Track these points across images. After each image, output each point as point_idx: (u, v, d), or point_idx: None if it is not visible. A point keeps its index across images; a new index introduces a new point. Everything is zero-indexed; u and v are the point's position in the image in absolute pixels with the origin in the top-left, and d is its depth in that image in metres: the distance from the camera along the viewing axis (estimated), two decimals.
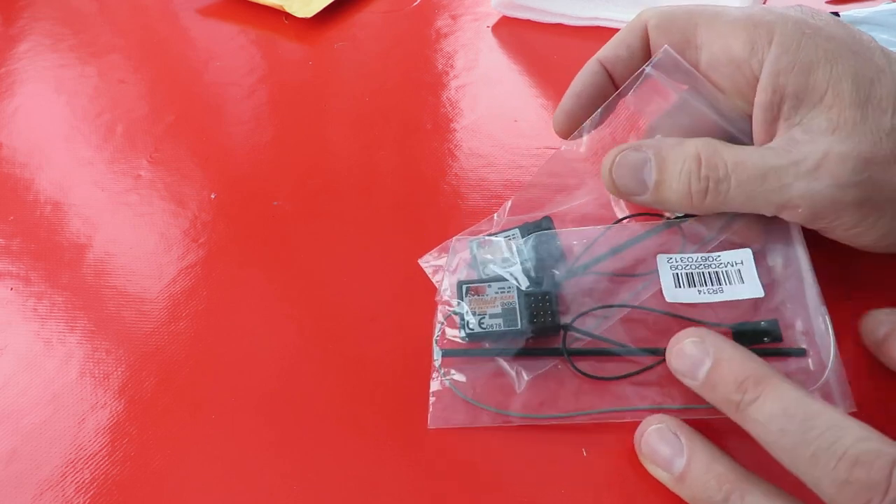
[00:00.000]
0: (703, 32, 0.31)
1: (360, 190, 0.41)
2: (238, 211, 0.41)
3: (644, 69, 0.32)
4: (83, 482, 0.30)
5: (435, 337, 0.32)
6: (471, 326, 0.31)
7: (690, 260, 0.30)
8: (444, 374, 0.31)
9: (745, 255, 0.29)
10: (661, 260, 0.31)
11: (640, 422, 0.28)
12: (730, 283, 0.29)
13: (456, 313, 0.32)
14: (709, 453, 0.26)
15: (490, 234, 0.35)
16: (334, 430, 0.31)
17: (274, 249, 0.39)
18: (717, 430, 0.28)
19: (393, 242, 0.38)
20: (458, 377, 0.31)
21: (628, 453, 0.28)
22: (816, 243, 0.30)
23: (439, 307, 0.33)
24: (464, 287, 0.32)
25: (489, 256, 0.33)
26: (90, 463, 0.31)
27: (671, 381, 0.29)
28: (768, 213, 0.29)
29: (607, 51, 0.34)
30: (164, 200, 0.43)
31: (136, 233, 0.41)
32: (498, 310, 0.31)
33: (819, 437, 0.22)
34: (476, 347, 0.32)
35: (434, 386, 0.31)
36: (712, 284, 0.29)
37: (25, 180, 0.46)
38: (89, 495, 0.30)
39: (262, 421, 0.31)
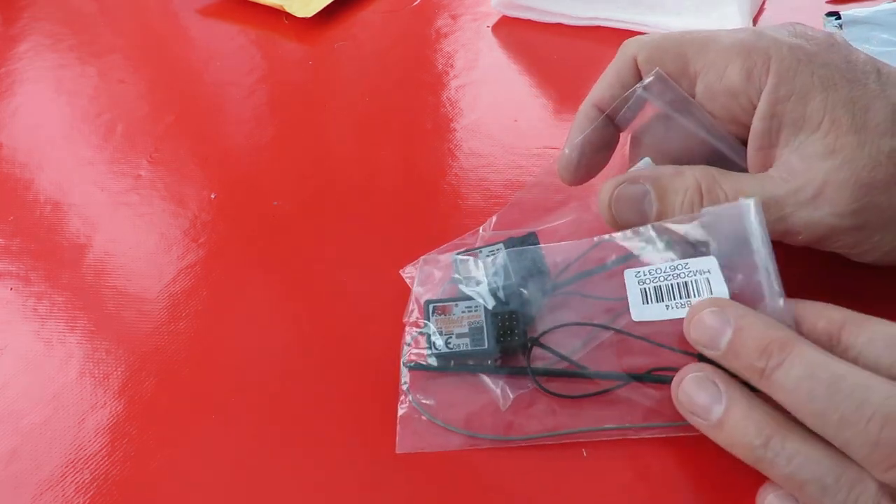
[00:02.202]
0: (695, 62, 0.31)
1: (360, 190, 0.41)
2: (238, 211, 0.41)
3: (636, 90, 0.31)
4: (83, 482, 0.30)
5: (403, 359, 0.31)
6: (437, 347, 0.31)
7: (658, 272, 0.29)
8: (413, 398, 0.30)
9: (711, 263, 0.28)
10: (629, 275, 0.29)
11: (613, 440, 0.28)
12: (698, 293, 0.28)
13: (423, 333, 0.31)
14: (747, 400, 0.25)
15: (474, 249, 0.34)
16: (334, 428, 0.31)
17: (274, 249, 0.39)
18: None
19: (393, 242, 0.38)
20: (428, 400, 0.30)
21: (628, 453, 0.28)
22: (813, 254, 0.30)
23: (407, 328, 0.32)
24: (430, 306, 0.32)
25: (467, 257, 0.33)
26: (90, 463, 0.31)
27: (638, 401, 0.29)
28: None
29: (602, 93, 0.33)
30: (164, 200, 0.43)
31: (136, 233, 0.41)
32: (465, 329, 0.31)
33: (847, 399, 0.22)
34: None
35: (401, 410, 0.30)
36: (680, 297, 0.28)
37: (25, 180, 0.46)
38: (89, 495, 0.30)
39: (261, 421, 0.31)
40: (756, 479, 0.26)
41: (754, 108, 0.29)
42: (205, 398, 0.32)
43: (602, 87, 0.33)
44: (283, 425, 0.31)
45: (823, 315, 0.26)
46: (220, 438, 0.31)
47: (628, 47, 0.32)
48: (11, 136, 0.50)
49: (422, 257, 0.35)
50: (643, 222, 0.31)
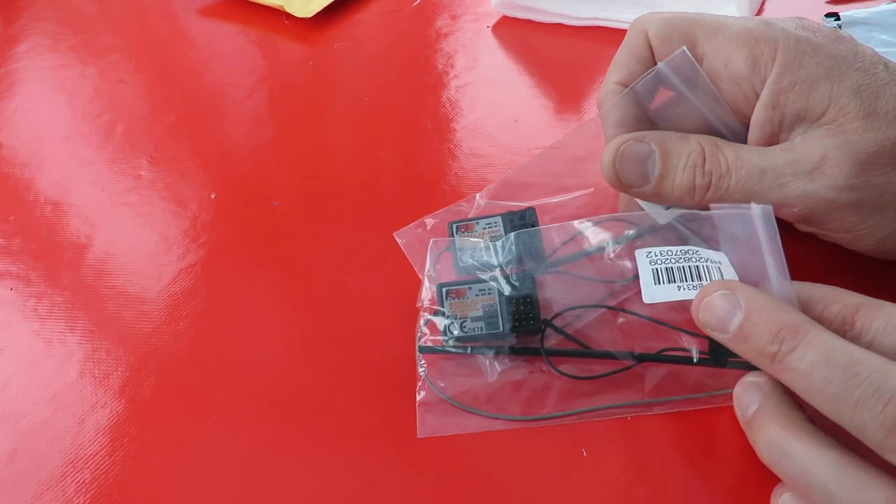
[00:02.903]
0: (702, 44, 0.31)
1: (360, 190, 0.41)
2: (238, 211, 0.41)
3: (657, 66, 0.31)
4: (83, 482, 0.30)
5: (418, 344, 0.32)
6: (452, 331, 0.31)
7: (670, 253, 0.29)
8: (431, 382, 0.31)
9: (722, 257, 0.28)
10: (640, 255, 0.29)
11: (630, 417, 0.29)
12: (710, 279, 0.28)
13: (437, 318, 0.31)
14: (777, 402, 0.25)
15: (470, 220, 0.34)
16: (335, 430, 0.31)
17: (274, 249, 0.39)
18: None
19: (393, 241, 0.38)
20: (443, 383, 0.31)
21: (628, 453, 0.28)
22: (817, 252, 0.30)
23: (421, 313, 0.32)
24: (444, 290, 0.32)
25: (469, 246, 0.33)
26: (90, 463, 0.31)
27: (650, 379, 0.30)
28: None
29: (621, 71, 0.33)
30: (164, 200, 0.43)
31: (136, 233, 0.41)
32: (479, 313, 0.31)
33: (864, 383, 0.22)
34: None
35: (420, 395, 0.31)
36: (692, 280, 0.28)
37: (25, 180, 0.46)
38: (89, 495, 0.30)
39: (261, 421, 0.31)
40: (757, 480, 0.26)
41: (757, 96, 0.30)
42: (205, 398, 0.32)
43: (620, 65, 0.33)
44: (283, 425, 0.31)
45: (838, 299, 0.25)
46: (220, 438, 0.31)
47: (639, 24, 0.32)
48: (11, 136, 0.50)
49: (427, 217, 0.34)
50: (644, 183, 0.31)
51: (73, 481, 0.30)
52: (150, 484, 0.30)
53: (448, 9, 0.56)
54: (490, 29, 0.53)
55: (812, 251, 0.32)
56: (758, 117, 0.30)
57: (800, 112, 0.29)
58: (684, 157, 0.30)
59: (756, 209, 0.27)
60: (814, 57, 0.28)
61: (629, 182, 0.31)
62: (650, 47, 0.32)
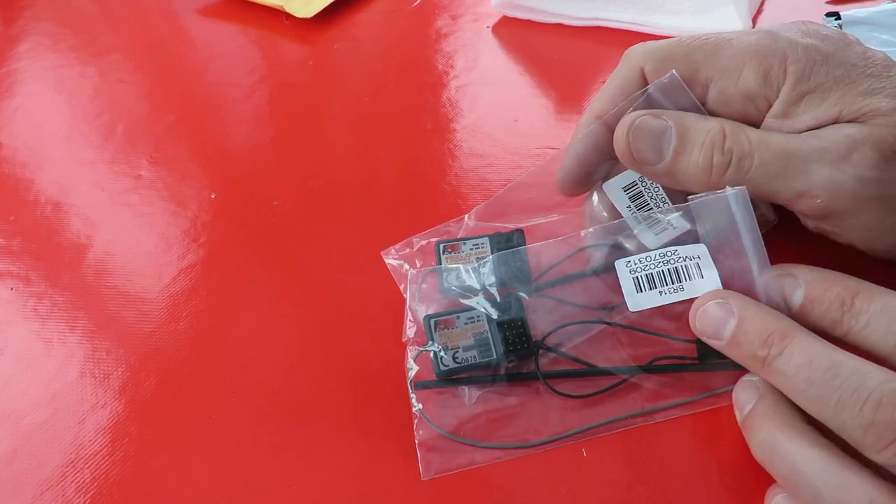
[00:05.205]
0: (706, 69, 0.30)
1: (360, 190, 0.41)
2: (238, 211, 0.41)
3: (647, 89, 0.30)
4: (83, 482, 0.30)
5: (409, 380, 0.30)
6: (445, 363, 0.30)
7: (649, 259, 0.29)
8: (428, 419, 0.30)
9: (701, 249, 0.28)
10: (620, 265, 0.29)
11: (632, 428, 0.29)
12: (689, 278, 0.28)
13: (427, 351, 0.30)
14: (772, 401, 0.25)
15: (457, 240, 0.34)
16: (335, 430, 0.31)
17: (274, 249, 0.39)
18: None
19: (393, 242, 0.37)
20: (442, 418, 0.30)
21: (628, 453, 0.29)
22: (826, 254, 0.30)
23: (409, 348, 0.31)
24: (431, 322, 0.31)
25: (451, 270, 0.32)
26: (90, 463, 0.31)
27: (647, 388, 0.30)
28: (783, 202, 0.29)
29: (605, 105, 0.32)
30: (164, 200, 0.43)
31: (136, 233, 0.41)
32: (470, 341, 0.30)
33: (843, 384, 0.22)
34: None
35: (419, 434, 0.29)
36: (672, 283, 0.28)
37: (25, 180, 0.46)
38: (89, 495, 0.30)
39: (261, 421, 0.31)
40: (755, 481, 0.26)
41: (770, 108, 0.29)
42: (205, 398, 0.32)
43: (605, 100, 0.32)
44: (283, 425, 0.31)
45: (839, 281, 0.26)
46: (220, 438, 0.31)
47: (633, 58, 0.31)
48: (11, 136, 0.50)
49: (414, 237, 0.34)
50: (658, 160, 0.30)
51: (73, 481, 0.30)
52: (150, 484, 0.30)
53: (448, 9, 0.56)
54: (490, 29, 0.53)
55: (821, 253, 0.31)
56: (770, 126, 0.29)
57: (809, 122, 0.28)
58: (703, 133, 0.29)
59: (731, 192, 0.27)
60: (824, 66, 0.28)
61: (642, 158, 0.30)
62: (644, 84, 0.31)
